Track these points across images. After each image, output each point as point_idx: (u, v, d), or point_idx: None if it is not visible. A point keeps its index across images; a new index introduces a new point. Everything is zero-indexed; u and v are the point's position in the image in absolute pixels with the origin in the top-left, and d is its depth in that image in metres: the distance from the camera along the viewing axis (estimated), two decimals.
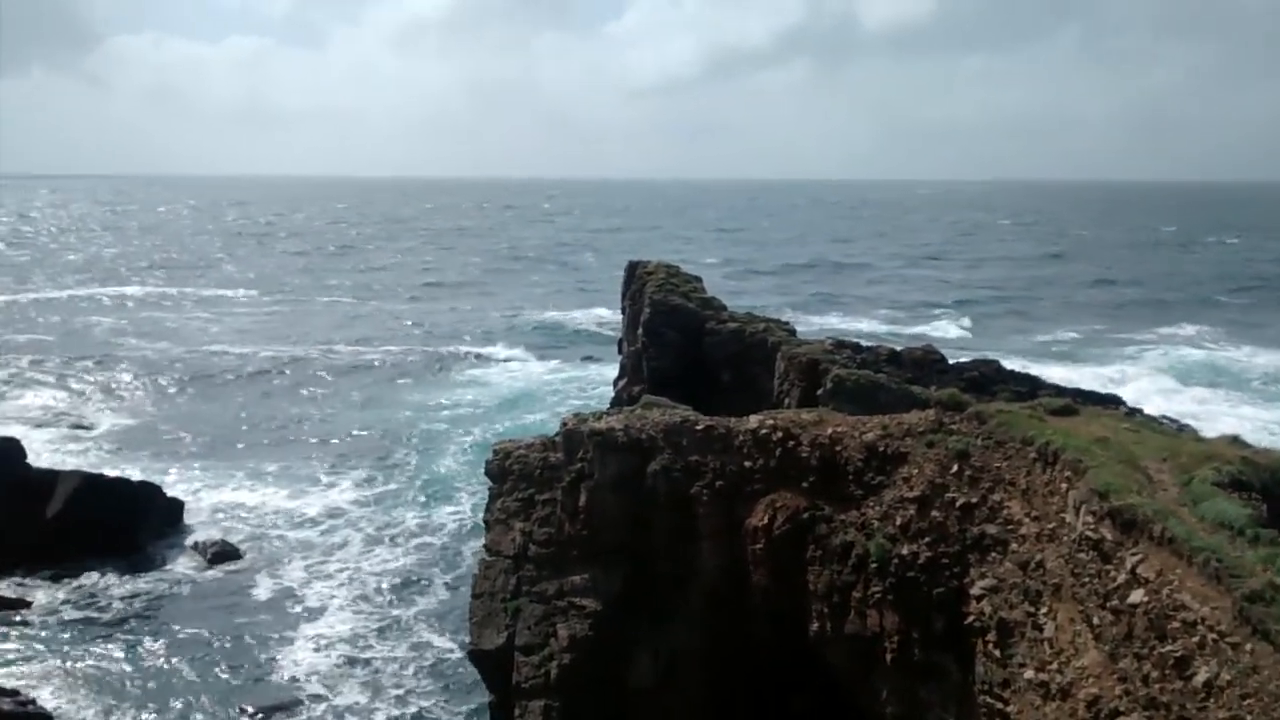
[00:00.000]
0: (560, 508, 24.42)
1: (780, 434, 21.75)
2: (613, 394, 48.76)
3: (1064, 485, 16.55)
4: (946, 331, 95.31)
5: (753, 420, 22.68)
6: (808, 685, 21.34)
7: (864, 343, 47.49)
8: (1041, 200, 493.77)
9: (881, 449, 20.25)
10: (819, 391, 31.98)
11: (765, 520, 21.00)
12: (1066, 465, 16.71)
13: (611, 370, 61.29)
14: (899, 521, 19.12)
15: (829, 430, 21.38)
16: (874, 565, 19.05)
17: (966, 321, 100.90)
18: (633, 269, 48.77)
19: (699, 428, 22.92)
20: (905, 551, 18.67)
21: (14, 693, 29.25)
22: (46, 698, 30.00)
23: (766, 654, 21.53)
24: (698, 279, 47.40)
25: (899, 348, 45.54)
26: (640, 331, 43.89)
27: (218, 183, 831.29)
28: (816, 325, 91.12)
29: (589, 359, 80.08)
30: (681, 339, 42.11)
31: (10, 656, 33.01)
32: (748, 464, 21.91)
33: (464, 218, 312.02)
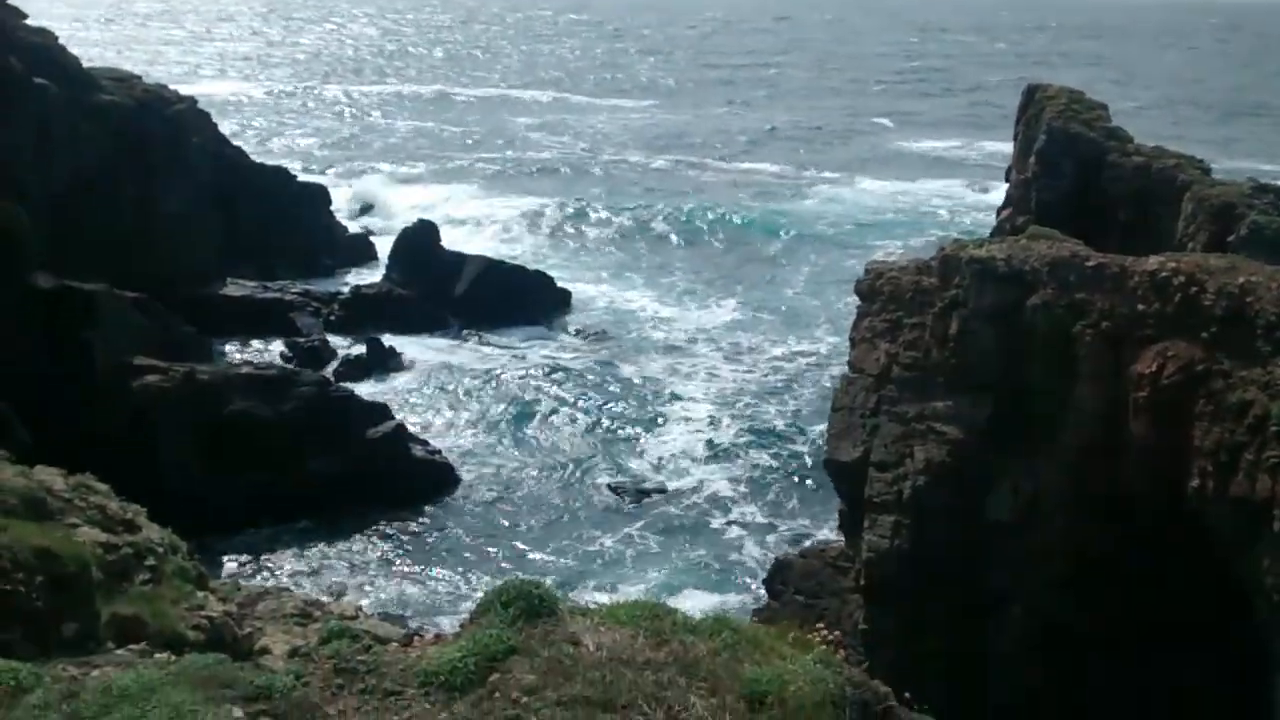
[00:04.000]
0: (929, 333, 24.08)
1: (1183, 278, 20.12)
2: (994, 224, 46.69)
3: None
4: None
5: (1152, 261, 21.10)
6: (1177, 543, 20.33)
7: None
8: None
9: None
10: (1230, 238, 29.11)
11: (1154, 368, 19.73)
12: None
13: (994, 199, 58.57)
14: None
15: (1240, 279, 19.53)
16: (1274, 428, 17.55)
17: None
18: (1031, 93, 45.60)
19: (1089, 264, 21.63)
20: None
21: (424, 442, 33.32)
22: (448, 446, 34.08)
23: (1136, 505, 20.62)
24: (1103, 106, 43.71)
25: None
26: (1032, 160, 41.38)
27: None
28: None
29: (974, 186, 76.94)
30: (1077, 170, 39.39)
31: (421, 410, 37.60)
32: (1140, 307, 20.52)
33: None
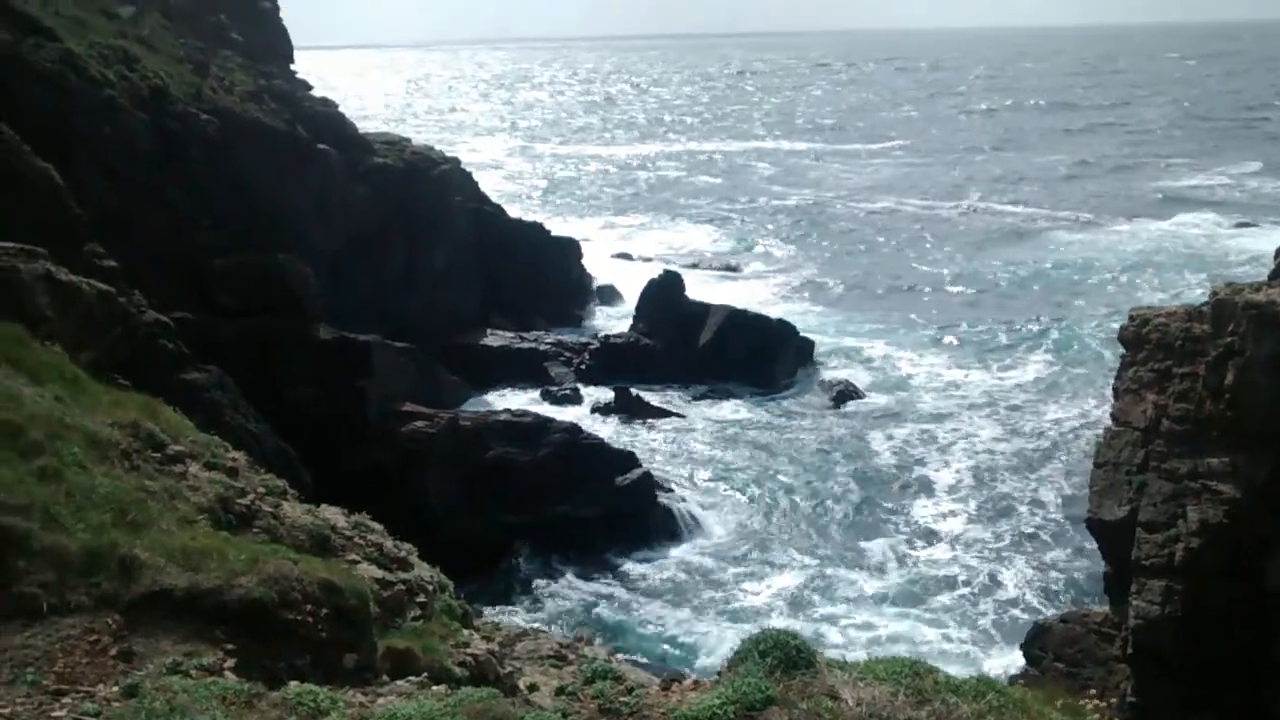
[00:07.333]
0: (1202, 384, 22.61)
1: None
2: (1273, 265, 43.32)
3: None
4: None
5: None
6: None
7: None
8: None
9: None
10: None
11: None
12: None
13: (1270, 239, 54.58)
14: None
15: None
16: None
17: None
18: None
19: None
20: None
21: (670, 489, 33.91)
22: (692, 494, 34.61)
23: None
24: None
25: None
26: None
27: (872, 36, 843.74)
28: None
29: (1245, 224, 71.84)
30: None
31: (666, 458, 38.28)
32: None
33: (1158, 68, 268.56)
